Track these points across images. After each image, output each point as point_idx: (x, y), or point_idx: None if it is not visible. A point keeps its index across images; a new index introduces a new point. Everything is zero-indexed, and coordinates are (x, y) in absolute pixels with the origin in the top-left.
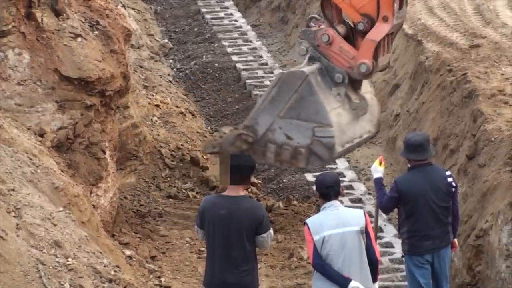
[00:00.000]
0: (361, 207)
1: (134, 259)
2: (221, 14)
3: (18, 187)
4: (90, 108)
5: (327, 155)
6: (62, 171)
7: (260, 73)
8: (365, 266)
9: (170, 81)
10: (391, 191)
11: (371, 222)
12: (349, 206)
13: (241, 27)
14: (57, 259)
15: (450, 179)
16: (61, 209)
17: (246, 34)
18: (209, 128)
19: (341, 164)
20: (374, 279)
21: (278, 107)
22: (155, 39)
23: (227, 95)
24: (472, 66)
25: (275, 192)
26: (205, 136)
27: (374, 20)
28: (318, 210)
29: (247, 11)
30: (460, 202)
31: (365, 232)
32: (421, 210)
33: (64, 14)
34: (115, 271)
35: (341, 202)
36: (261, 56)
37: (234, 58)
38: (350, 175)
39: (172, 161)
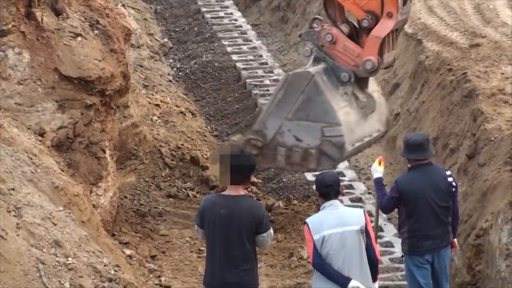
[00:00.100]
0: (361, 207)
1: (134, 259)
2: (221, 14)
3: (18, 187)
4: (90, 107)
5: (337, 155)
6: (62, 171)
7: (260, 72)
8: (365, 265)
9: (170, 81)
10: (391, 191)
11: (371, 221)
12: (349, 206)
13: (241, 26)
14: (57, 259)
15: (450, 179)
16: (61, 208)
17: (246, 34)
18: (209, 127)
19: (341, 164)
20: (374, 279)
21: (285, 109)
22: (155, 39)
23: (227, 95)
24: (472, 65)
25: (275, 191)
26: (205, 136)
27: (378, 17)
28: (318, 210)
29: (247, 10)
30: (460, 202)
31: (365, 232)
32: (421, 210)
33: (64, 14)
34: (115, 271)
35: (341, 201)
36: (261, 56)
37: (234, 57)
38: (350, 174)
39: (172, 160)
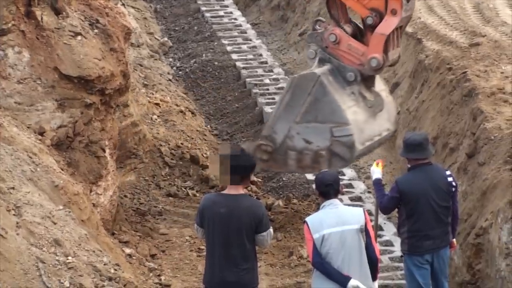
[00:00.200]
0: (360, 206)
1: (134, 258)
2: (221, 13)
3: (18, 186)
4: (90, 106)
5: (348, 154)
6: (62, 170)
7: (260, 71)
8: (364, 264)
9: (170, 80)
10: (391, 191)
11: (371, 220)
12: (349, 205)
13: (240, 25)
14: (57, 258)
15: (450, 179)
16: (61, 207)
17: (245, 33)
18: (208, 126)
19: None
20: (374, 278)
21: (293, 112)
22: (155, 38)
23: (226, 94)
24: (472, 64)
25: (274, 190)
26: (205, 135)
27: (382, 14)
28: (317, 209)
29: (247, 9)
30: (460, 201)
31: (364, 231)
32: (422, 210)
33: (64, 13)
34: (115, 270)
35: (341, 200)
36: (260, 55)
37: (234, 56)
38: (349, 173)
39: (171, 159)
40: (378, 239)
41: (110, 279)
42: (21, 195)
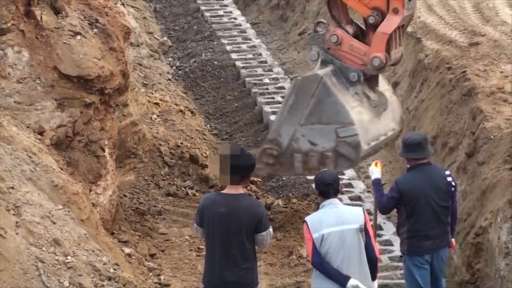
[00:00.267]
0: (360, 205)
1: (133, 257)
2: (220, 12)
3: (18, 185)
4: (90, 106)
5: (354, 155)
6: (62, 169)
7: (260, 71)
8: (364, 264)
9: (169, 79)
10: (391, 191)
11: (370, 220)
12: (349, 204)
13: (240, 25)
14: (56, 257)
15: (449, 179)
16: (60, 207)
17: (245, 32)
18: (208, 126)
19: None
20: (373, 277)
21: (297, 115)
22: (155, 37)
23: (226, 93)
24: (472, 64)
25: (274, 190)
26: (204, 134)
27: (384, 13)
28: (317, 208)
29: (246, 9)
30: (459, 200)
31: (364, 230)
32: (422, 210)
33: (63, 12)
34: (115, 269)
35: (340, 200)
36: (260, 54)
37: (234, 56)
38: (349, 173)
39: (171, 159)
40: (378, 239)
41: (109, 278)
42: (21, 195)
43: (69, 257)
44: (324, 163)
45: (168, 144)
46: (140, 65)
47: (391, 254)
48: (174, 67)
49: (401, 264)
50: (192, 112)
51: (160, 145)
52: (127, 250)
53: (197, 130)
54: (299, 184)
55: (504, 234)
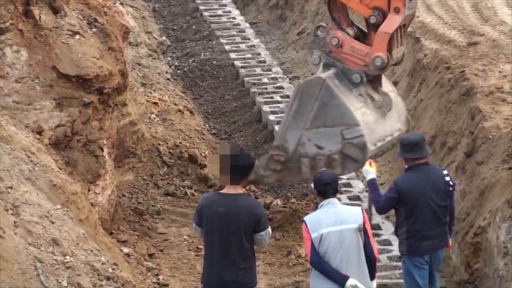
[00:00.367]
0: (359, 205)
1: (132, 257)
2: (219, 12)
3: (16, 185)
4: (88, 105)
5: (360, 156)
6: (60, 169)
7: (258, 70)
8: (363, 263)
9: (168, 79)
10: (390, 191)
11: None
12: (347, 204)
13: (239, 24)
14: (55, 257)
15: (447, 178)
16: (59, 206)
17: (244, 32)
18: (207, 125)
19: None
20: (372, 277)
21: (302, 119)
22: (153, 37)
23: (225, 93)
24: (470, 63)
25: (273, 189)
26: (203, 134)
27: (385, 13)
28: (316, 208)
29: (245, 8)
30: (458, 200)
31: (363, 230)
32: (421, 210)
33: (62, 12)
34: (113, 269)
35: (339, 199)
36: (259, 54)
37: (232, 55)
38: None
39: (170, 158)
40: (377, 238)
41: (108, 278)
42: (19, 195)
43: (67, 257)
44: (331, 166)
45: (167, 143)
46: (139, 64)
47: (390, 253)
48: (173, 67)
49: (400, 263)
50: (191, 112)
51: (159, 144)
52: (125, 250)
53: (196, 129)
54: (298, 184)
55: (502, 234)
